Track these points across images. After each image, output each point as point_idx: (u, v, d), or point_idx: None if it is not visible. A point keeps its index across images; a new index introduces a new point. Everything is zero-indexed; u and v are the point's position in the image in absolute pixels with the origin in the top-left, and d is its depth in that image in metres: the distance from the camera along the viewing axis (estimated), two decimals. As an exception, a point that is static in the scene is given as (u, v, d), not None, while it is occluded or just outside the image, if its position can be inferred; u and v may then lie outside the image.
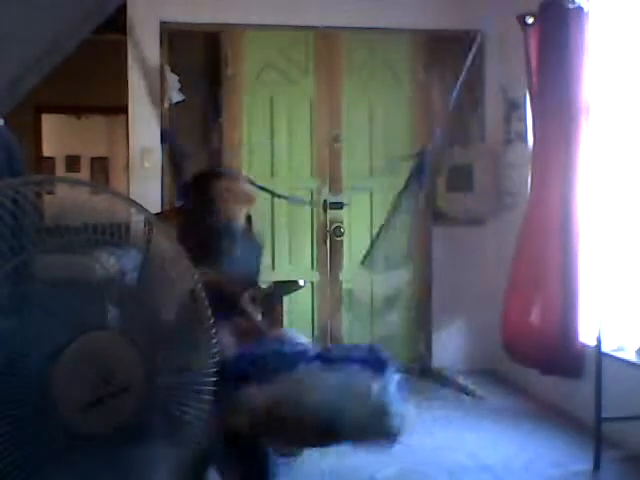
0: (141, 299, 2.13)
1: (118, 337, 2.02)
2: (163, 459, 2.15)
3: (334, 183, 5.27)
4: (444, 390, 4.99)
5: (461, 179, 5.26)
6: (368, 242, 5.31)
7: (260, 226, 3.22)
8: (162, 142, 2.69)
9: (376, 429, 2.60)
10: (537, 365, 4.47)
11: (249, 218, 3.36)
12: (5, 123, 2.78)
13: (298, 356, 2.76)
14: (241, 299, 3.05)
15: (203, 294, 2.18)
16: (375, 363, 2.69)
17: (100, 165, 10.21)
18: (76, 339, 1.92)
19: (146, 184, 4.97)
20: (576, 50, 4.19)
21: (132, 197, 4.23)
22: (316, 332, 5.25)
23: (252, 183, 3.47)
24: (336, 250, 5.28)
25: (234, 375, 2.58)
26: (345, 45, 5.27)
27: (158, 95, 4.97)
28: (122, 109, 5.16)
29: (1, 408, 1.81)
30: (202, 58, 5.21)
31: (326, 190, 5.25)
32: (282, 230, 5.22)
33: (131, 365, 2.01)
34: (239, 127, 5.15)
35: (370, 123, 5.32)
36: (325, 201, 5.24)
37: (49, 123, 8.70)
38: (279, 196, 4.94)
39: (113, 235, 2.07)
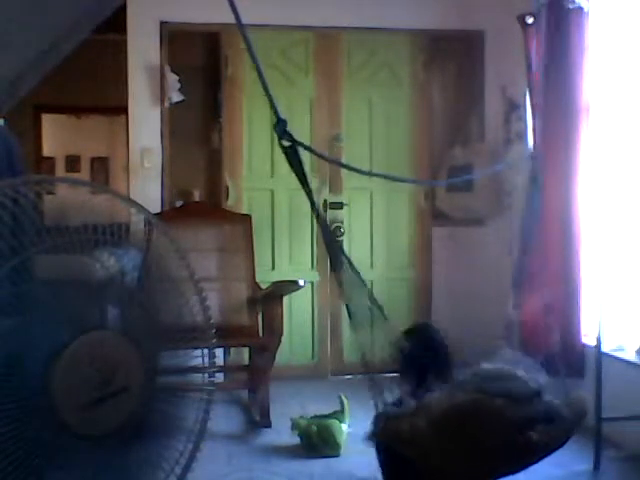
0: (141, 299, 2.13)
1: (118, 337, 2.02)
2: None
3: (334, 183, 5.27)
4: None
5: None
6: (368, 242, 5.32)
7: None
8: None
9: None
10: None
11: None
12: (5, 123, 2.78)
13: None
14: None
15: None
16: None
17: (100, 165, 10.19)
18: (76, 339, 1.92)
19: (146, 184, 4.97)
20: (576, 50, 4.18)
21: (132, 197, 4.23)
22: (316, 332, 5.25)
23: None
24: (336, 250, 5.27)
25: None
26: (345, 45, 5.27)
27: (158, 95, 4.97)
28: (122, 109, 5.16)
29: (1, 408, 1.81)
30: (202, 58, 5.21)
31: (326, 190, 5.25)
32: (282, 230, 5.22)
33: (131, 365, 2.01)
34: (239, 127, 5.15)
35: (370, 123, 5.32)
36: (325, 201, 5.23)
37: (49, 123, 8.70)
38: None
39: (113, 235, 2.07)
